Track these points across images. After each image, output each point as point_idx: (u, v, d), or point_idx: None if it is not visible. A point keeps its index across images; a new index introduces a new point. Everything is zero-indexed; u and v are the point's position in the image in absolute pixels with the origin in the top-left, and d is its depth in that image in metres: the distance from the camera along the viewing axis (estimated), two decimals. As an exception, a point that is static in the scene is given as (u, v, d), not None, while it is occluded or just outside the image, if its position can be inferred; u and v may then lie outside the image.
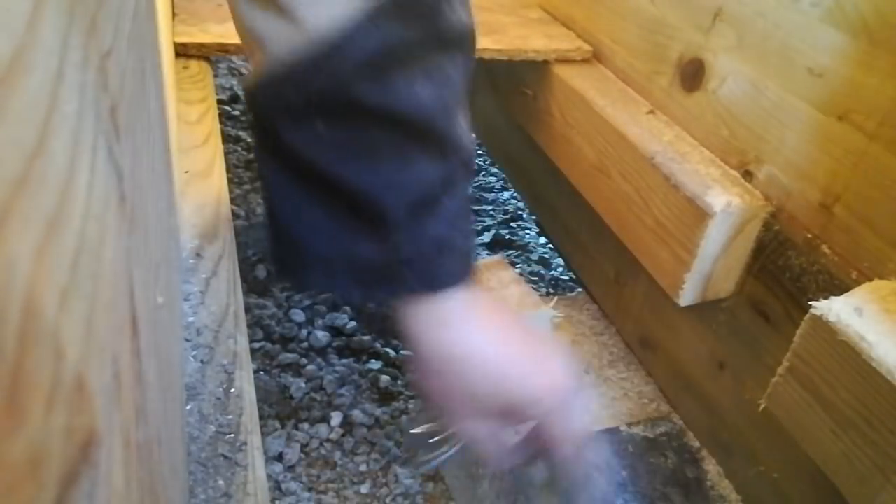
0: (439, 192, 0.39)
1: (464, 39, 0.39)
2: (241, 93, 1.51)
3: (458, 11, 0.38)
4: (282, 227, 0.40)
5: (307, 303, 1.05)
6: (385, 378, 0.94)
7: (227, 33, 0.75)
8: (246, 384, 0.49)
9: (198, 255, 0.59)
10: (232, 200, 1.19)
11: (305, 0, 0.34)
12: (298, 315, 1.02)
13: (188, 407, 0.47)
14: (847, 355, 0.42)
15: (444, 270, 0.40)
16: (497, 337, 0.42)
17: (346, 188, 0.37)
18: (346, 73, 0.35)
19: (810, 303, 0.44)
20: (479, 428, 0.44)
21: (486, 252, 1.20)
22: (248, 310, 1.00)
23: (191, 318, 0.53)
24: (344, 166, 0.37)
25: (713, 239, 0.57)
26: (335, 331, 1.01)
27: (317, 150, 0.36)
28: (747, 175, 0.61)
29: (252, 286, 1.06)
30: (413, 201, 0.38)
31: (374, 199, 0.37)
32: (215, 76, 1.33)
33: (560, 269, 1.17)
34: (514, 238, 1.24)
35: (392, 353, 0.99)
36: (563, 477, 0.47)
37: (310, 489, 0.80)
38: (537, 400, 0.42)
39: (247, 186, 1.27)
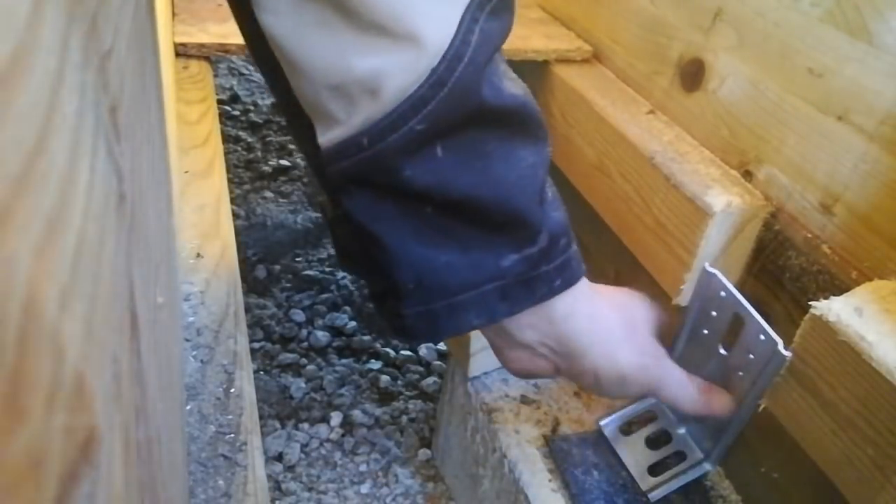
0: (544, 177, 0.38)
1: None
2: (241, 93, 1.51)
3: None
4: (422, 278, 0.37)
5: (307, 303, 1.05)
6: (385, 378, 0.94)
7: (227, 33, 0.75)
8: (246, 384, 0.49)
9: (198, 255, 0.59)
10: (232, 200, 1.19)
11: (421, 14, 0.31)
12: (298, 315, 1.02)
13: (188, 407, 0.47)
14: (847, 355, 0.42)
15: (573, 256, 0.41)
16: (613, 298, 0.49)
17: (474, 204, 0.35)
18: (470, 82, 0.32)
19: (810, 303, 0.44)
20: (662, 372, 0.50)
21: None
22: (248, 310, 1.00)
23: (191, 318, 0.53)
24: (468, 182, 0.35)
25: (713, 239, 0.57)
26: (335, 331, 1.01)
27: (442, 175, 0.34)
28: (747, 175, 0.61)
29: (252, 286, 1.06)
30: (536, 192, 0.37)
31: (506, 203, 0.36)
32: (215, 76, 1.33)
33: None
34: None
35: (392, 353, 0.99)
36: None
37: (310, 489, 0.80)
38: (666, 306, 0.53)
39: (247, 186, 1.27)
